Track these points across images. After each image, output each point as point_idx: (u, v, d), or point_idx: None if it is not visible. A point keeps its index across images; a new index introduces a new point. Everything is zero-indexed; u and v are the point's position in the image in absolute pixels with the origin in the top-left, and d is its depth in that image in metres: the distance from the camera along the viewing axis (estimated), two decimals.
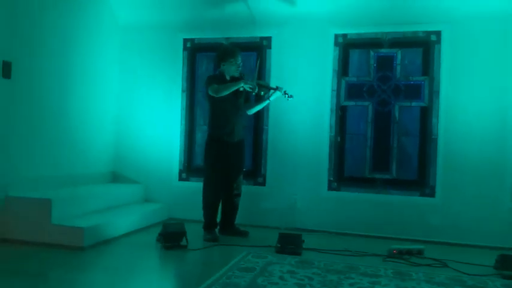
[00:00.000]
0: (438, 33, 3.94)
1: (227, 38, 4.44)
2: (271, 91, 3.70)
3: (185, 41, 4.56)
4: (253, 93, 3.63)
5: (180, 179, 4.55)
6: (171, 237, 3.31)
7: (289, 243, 3.26)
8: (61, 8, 3.81)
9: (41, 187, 3.62)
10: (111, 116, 4.65)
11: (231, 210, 3.81)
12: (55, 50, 3.77)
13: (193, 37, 4.54)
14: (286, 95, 3.65)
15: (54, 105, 3.79)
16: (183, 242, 3.34)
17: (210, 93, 3.58)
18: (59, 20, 3.80)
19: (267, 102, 3.81)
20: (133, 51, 4.67)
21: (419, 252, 3.31)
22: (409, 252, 3.29)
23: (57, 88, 3.82)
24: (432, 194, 3.93)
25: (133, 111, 4.68)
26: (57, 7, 3.77)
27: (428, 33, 3.97)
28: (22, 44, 3.42)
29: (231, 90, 3.53)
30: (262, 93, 3.70)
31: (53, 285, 2.47)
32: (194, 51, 4.56)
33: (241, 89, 3.62)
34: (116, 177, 4.69)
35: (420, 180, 3.98)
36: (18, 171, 3.42)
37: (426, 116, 3.98)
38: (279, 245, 3.26)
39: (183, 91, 4.56)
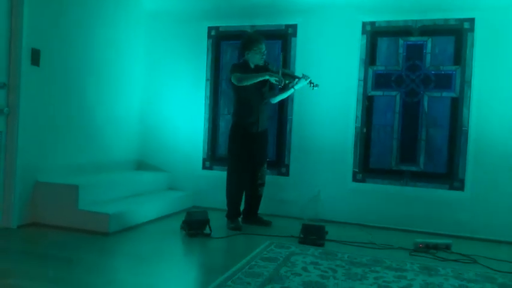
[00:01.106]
0: (472, 21, 3.78)
1: (252, 26, 4.40)
2: (296, 80, 3.65)
3: (210, 29, 4.54)
4: (280, 86, 3.57)
5: (204, 167, 4.57)
6: (194, 225, 3.33)
7: (313, 234, 3.22)
8: None
9: (69, 174, 3.70)
10: (137, 105, 4.69)
11: (254, 199, 3.80)
12: (82, 37, 3.82)
13: (218, 25, 4.51)
14: (312, 84, 3.59)
15: (81, 94, 3.85)
16: (207, 230, 3.36)
17: (233, 81, 3.55)
18: (86, 7, 3.84)
19: (291, 91, 3.76)
20: (158, 39, 4.69)
21: (447, 247, 3.22)
22: (436, 247, 3.20)
23: (84, 76, 3.87)
24: (461, 188, 3.81)
25: (159, 100, 4.71)
26: None
27: (461, 20, 3.81)
28: (50, 32, 3.47)
29: (255, 81, 3.49)
30: (287, 81, 3.65)
31: (79, 269, 2.52)
32: (219, 39, 4.53)
33: (267, 77, 3.57)
34: (141, 165, 4.75)
35: (449, 173, 3.86)
36: (47, 158, 3.50)
37: (457, 107, 3.84)
38: (302, 236, 3.24)
39: (207, 80, 4.55)
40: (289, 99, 4.15)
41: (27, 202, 3.32)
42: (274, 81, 3.48)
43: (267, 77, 3.46)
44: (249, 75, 3.51)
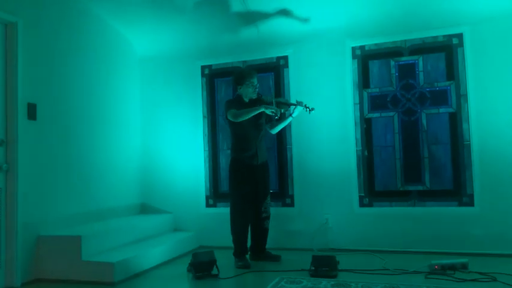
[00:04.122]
0: (460, 36, 3.81)
1: (244, 61, 4.45)
2: (292, 107, 3.65)
3: (203, 67, 4.60)
4: (276, 117, 3.57)
5: (208, 205, 4.51)
6: (201, 266, 3.25)
7: (324, 266, 3.13)
8: (82, 48, 3.92)
9: (71, 224, 3.65)
10: (136, 148, 4.69)
11: (261, 234, 3.72)
12: (78, 87, 3.86)
13: (210, 63, 4.57)
14: (308, 109, 3.59)
15: (79, 142, 3.85)
16: (214, 271, 3.27)
17: (229, 118, 3.55)
18: (81, 58, 3.90)
19: (290, 119, 3.76)
20: (153, 81, 4.75)
21: (464, 266, 3.11)
22: (453, 267, 3.09)
23: (82, 125, 3.89)
24: (471, 203, 3.72)
25: (158, 141, 4.72)
26: (79, 46, 3.88)
27: (450, 36, 3.85)
28: (46, 85, 3.51)
29: (251, 115, 3.49)
30: (282, 110, 3.66)
31: None
32: (212, 77, 4.58)
33: (261, 109, 3.58)
34: (144, 208, 4.70)
35: (456, 189, 3.78)
36: (48, 211, 3.46)
37: (456, 121, 3.81)
38: (313, 268, 3.14)
39: (204, 117, 4.57)
40: (287, 128, 4.15)
41: (30, 258, 3.26)
42: (270, 113, 3.48)
43: (262, 109, 3.47)
44: (245, 110, 3.51)
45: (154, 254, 3.68)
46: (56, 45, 3.64)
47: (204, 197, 4.52)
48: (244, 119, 3.49)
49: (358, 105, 4.08)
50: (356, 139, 4.06)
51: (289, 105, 3.68)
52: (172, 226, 4.55)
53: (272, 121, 3.80)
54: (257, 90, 3.67)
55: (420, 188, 3.89)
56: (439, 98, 3.88)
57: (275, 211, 4.01)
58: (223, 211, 4.04)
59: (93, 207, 3.97)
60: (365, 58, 4.09)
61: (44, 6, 3.53)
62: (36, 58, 3.43)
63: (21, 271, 3.16)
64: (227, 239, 3.71)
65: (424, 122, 3.91)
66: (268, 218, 3.73)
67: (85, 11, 3.99)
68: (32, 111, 3.35)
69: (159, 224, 4.39)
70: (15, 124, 3.22)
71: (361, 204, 4.02)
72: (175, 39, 4.49)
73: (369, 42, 4.07)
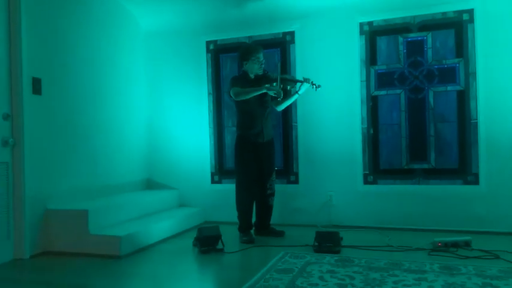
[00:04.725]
0: (471, 12, 3.73)
1: (249, 37, 4.39)
2: (298, 84, 3.62)
3: (208, 43, 4.54)
4: (279, 99, 3.54)
5: (213, 181, 4.53)
6: (206, 241, 3.29)
7: (327, 241, 3.16)
8: (87, 22, 3.88)
9: (78, 199, 3.70)
10: (142, 124, 4.70)
11: (265, 210, 3.75)
12: (83, 62, 3.83)
13: (215, 39, 4.51)
14: (314, 86, 3.57)
15: (85, 117, 3.85)
16: (219, 245, 3.32)
17: (232, 95, 3.54)
18: (86, 33, 3.86)
19: (296, 96, 3.73)
20: (158, 57, 4.71)
21: (467, 244, 3.13)
22: (456, 245, 3.12)
23: (88, 101, 3.88)
24: (476, 182, 3.72)
25: (163, 118, 4.72)
26: (84, 20, 3.83)
27: (460, 12, 3.76)
28: (50, 59, 3.49)
29: (253, 95, 3.46)
30: (289, 87, 3.63)
31: None
32: (217, 52, 4.53)
33: (267, 86, 3.56)
34: (150, 184, 4.74)
35: (462, 167, 3.77)
36: (55, 185, 3.50)
37: (464, 99, 3.77)
38: (317, 244, 3.17)
39: (209, 94, 4.54)
40: (293, 105, 4.12)
41: (38, 231, 3.32)
42: (272, 94, 3.45)
43: (264, 90, 3.44)
44: (247, 89, 3.48)
45: (160, 228, 3.73)
46: (61, 18, 3.60)
47: (210, 173, 4.54)
48: (244, 98, 3.48)
49: (365, 82, 4.03)
50: (362, 117, 4.04)
51: (295, 82, 3.65)
52: (178, 202, 4.60)
53: (278, 98, 3.76)
54: (263, 66, 3.63)
55: (425, 166, 3.88)
56: (447, 75, 3.83)
57: (280, 188, 4.03)
58: (229, 187, 4.07)
59: (100, 182, 4.01)
60: (373, 34, 4.02)
61: None
62: (41, 32, 3.39)
63: (29, 244, 3.22)
64: (232, 215, 3.75)
65: (431, 100, 3.87)
66: (273, 195, 3.75)
67: None
68: (36, 86, 3.34)
69: (165, 200, 4.43)
70: (20, 99, 3.21)
71: (366, 182, 4.03)
72: (180, 14, 4.42)
73: (378, 17, 3.99)
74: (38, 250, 3.30)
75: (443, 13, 3.81)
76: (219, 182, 4.51)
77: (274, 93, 3.43)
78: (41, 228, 3.34)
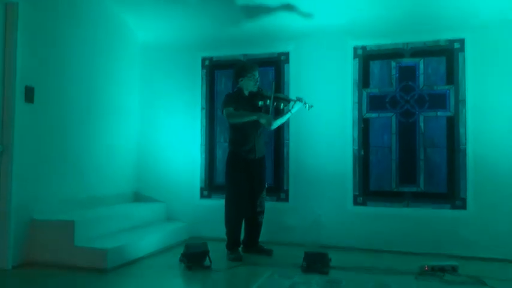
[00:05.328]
0: (462, 41, 3.83)
1: (245, 55, 4.44)
2: (292, 103, 3.66)
3: (203, 59, 4.58)
4: (268, 129, 3.59)
5: (202, 196, 4.51)
6: (193, 257, 3.26)
7: (316, 262, 3.15)
8: (83, 32, 3.88)
9: (65, 209, 3.63)
10: (133, 136, 4.67)
11: (254, 228, 3.73)
12: (77, 72, 3.83)
13: (211, 55, 4.55)
14: (307, 105, 3.62)
15: (76, 127, 3.82)
16: (207, 262, 3.28)
17: (224, 115, 3.56)
18: (81, 43, 3.86)
19: (288, 115, 3.77)
20: (153, 70, 4.72)
21: (454, 269, 3.14)
22: (443, 269, 3.12)
23: (79, 111, 3.86)
24: (463, 206, 3.76)
25: (155, 130, 4.70)
26: (79, 30, 3.84)
27: (451, 41, 3.86)
28: (44, 68, 3.47)
29: (244, 121, 3.51)
30: (282, 105, 3.67)
31: None
32: (213, 68, 4.57)
33: (260, 103, 3.60)
34: (138, 197, 4.68)
35: (450, 192, 3.82)
36: (42, 194, 3.44)
37: (453, 125, 3.84)
38: (305, 264, 3.16)
39: (202, 108, 4.55)
40: (286, 123, 4.14)
41: (23, 241, 3.25)
42: (263, 123, 3.50)
43: (255, 118, 3.49)
44: (240, 113, 3.54)
45: (147, 242, 3.68)
46: (56, 28, 3.60)
47: (199, 188, 4.52)
48: (236, 121, 3.52)
49: (357, 104, 4.09)
50: (353, 138, 4.08)
51: (288, 100, 3.69)
52: (166, 216, 4.55)
53: (271, 115, 3.79)
54: (258, 83, 3.67)
55: (414, 189, 3.92)
56: (438, 101, 3.91)
57: (270, 205, 4.01)
58: (218, 203, 4.05)
59: (88, 193, 3.95)
60: (366, 58, 4.10)
61: None
62: (36, 40, 3.39)
63: (13, 254, 3.16)
64: (221, 231, 3.72)
65: (422, 124, 3.94)
66: (262, 212, 3.74)
67: None
68: (29, 94, 3.32)
69: (153, 213, 4.38)
70: (12, 106, 3.19)
71: (355, 203, 4.04)
72: (177, 29, 4.46)
73: (371, 42, 4.08)
74: (21, 261, 3.23)
75: (435, 41, 3.91)
76: (209, 197, 4.49)
77: (265, 123, 3.48)
78: (26, 238, 3.27)
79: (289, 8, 3.94)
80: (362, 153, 4.06)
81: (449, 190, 3.82)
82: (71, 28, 3.75)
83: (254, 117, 3.50)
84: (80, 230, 3.28)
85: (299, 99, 3.64)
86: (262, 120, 3.50)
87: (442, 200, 3.83)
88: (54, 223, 3.30)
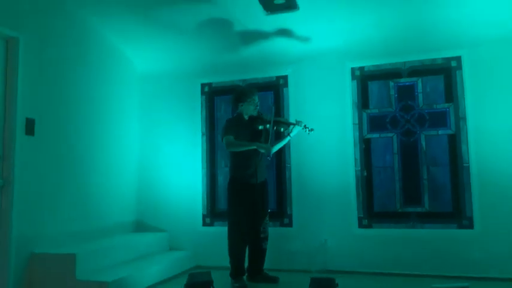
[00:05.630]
0: (458, 59, 3.85)
1: (243, 80, 4.47)
2: (291, 127, 3.66)
3: (203, 85, 4.61)
4: (268, 158, 3.56)
5: (204, 224, 4.45)
6: (197, 287, 3.18)
7: None
8: (82, 64, 3.92)
9: (66, 242, 3.58)
10: (133, 165, 4.65)
11: (258, 255, 3.66)
12: (78, 104, 3.84)
13: (210, 81, 4.58)
14: (307, 129, 3.61)
15: (77, 158, 3.81)
16: None
17: (224, 143, 3.57)
18: (81, 74, 3.89)
19: (288, 139, 3.76)
20: (152, 98, 4.74)
21: None
22: None
23: (79, 141, 3.86)
24: (470, 226, 3.69)
25: (155, 158, 4.68)
26: (79, 62, 3.88)
27: (448, 59, 3.88)
28: (45, 100, 3.49)
29: (243, 150, 3.52)
30: (282, 129, 3.66)
31: None
32: (212, 94, 4.59)
33: (261, 127, 3.59)
34: (139, 226, 4.62)
35: (456, 211, 3.76)
36: (43, 228, 3.40)
37: (455, 143, 3.82)
38: None
39: (202, 134, 4.55)
40: (287, 146, 4.13)
41: (23, 275, 3.19)
42: (263, 151, 3.51)
43: (254, 147, 3.50)
44: (239, 143, 3.54)
45: (149, 273, 3.61)
46: (57, 60, 3.64)
47: (201, 215, 4.46)
48: (235, 150, 3.54)
49: (358, 125, 4.08)
50: (355, 159, 4.05)
51: (288, 124, 3.69)
52: (168, 245, 4.48)
53: (271, 140, 3.78)
54: (258, 108, 3.68)
55: (419, 209, 3.86)
56: (438, 119, 3.90)
57: (273, 231, 3.95)
58: (220, 230, 3.99)
59: (89, 225, 3.90)
60: (364, 79, 4.12)
61: (46, 22, 3.54)
62: (36, 73, 3.42)
63: None
64: (224, 259, 3.65)
65: (423, 143, 3.92)
66: (266, 238, 3.68)
67: (86, 28, 4.00)
68: (30, 127, 3.32)
69: (155, 243, 4.32)
70: (13, 139, 3.19)
71: (360, 225, 3.98)
72: (175, 57, 4.50)
73: (368, 63, 4.11)
74: None
75: (432, 59, 3.93)
76: (211, 224, 4.43)
77: (264, 151, 3.49)
78: (26, 272, 3.21)
79: (285, 32, 3.98)
80: (365, 174, 4.03)
81: (455, 209, 3.77)
82: (71, 60, 3.79)
83: (253, 147, 3.50)
84: (81, 263, 3.22)
85: (298, 123, 3.64)
86: (261, 150, 3.50)
87: (448, 220, 3.77)
88: (55, 256, 3.25)
